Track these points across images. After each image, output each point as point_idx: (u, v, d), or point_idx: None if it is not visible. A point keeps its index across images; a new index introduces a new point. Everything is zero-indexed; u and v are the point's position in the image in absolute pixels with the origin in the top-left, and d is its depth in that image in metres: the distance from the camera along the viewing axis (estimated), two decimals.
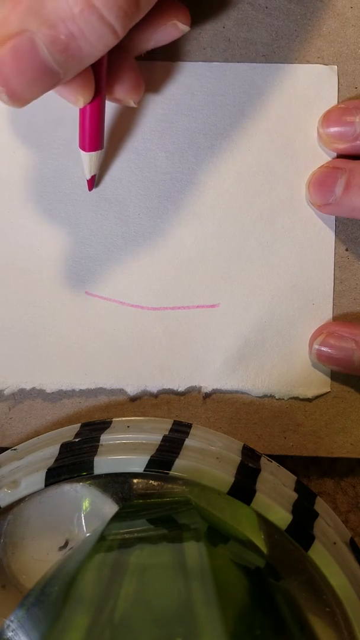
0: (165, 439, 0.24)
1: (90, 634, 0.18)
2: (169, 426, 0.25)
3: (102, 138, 0.24)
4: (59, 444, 0.24)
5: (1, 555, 0.23)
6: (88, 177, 0.25)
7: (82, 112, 0.23)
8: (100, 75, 0.22)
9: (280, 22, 0.26)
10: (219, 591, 0.19)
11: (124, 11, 0.18)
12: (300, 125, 0.26)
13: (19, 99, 0.19)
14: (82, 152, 0.24)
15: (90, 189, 0.26)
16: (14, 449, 0.25)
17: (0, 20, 0.18)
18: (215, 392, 0.27)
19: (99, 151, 0.24)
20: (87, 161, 0.24)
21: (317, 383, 0.26)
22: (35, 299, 0.26)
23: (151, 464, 0.22)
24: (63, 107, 0.26)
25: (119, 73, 0.23)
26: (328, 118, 0.25)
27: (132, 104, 0.24)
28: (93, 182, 0.26)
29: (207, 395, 0.27)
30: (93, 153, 0.24)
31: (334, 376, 0.27)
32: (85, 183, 0.26)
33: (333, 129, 0.24)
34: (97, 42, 0.19)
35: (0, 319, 0.26)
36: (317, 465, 0.29)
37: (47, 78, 0.19)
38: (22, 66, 0.18)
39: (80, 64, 0.19)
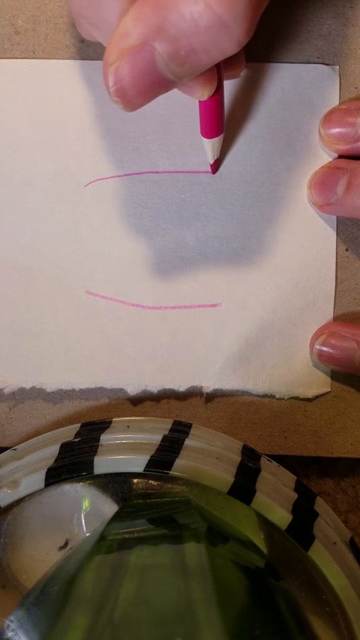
0: (165, 438, 0.24)
1: (90, 634, 0.18)
2: (169, 426, 0.25)
3: (223, 123, 0.24)
4: (59, 444, 0.24)
5: (1, 555, 0.23)
6: (211, 161, 0.25)
7: (204, 103, 0.23)
8: (220, 66, 0.21)
9: (281, 21, 0.25)
10: (218, 591, 0.19)
11: (249, 20, 0.17)
12: (301, 125, 0.26)
13: (133, 106, 0.20)
14: (204, 139, 0.24)
15: (214, 172, 0.26)
16: (14, 449, 0.25)
17: (122, 33, 0.18)
18: (215, 392, 0.27)
19: (220, 136, 0.24)
20: (210, 147, 0.25)
21: (317, 383, 0.26)
22: (36, 298, 0.26)
23: (151, 463, 0.22)
24: (64, 107, 0.26)
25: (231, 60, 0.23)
26: (329, 119, 0.25)
27: (238, 76, 0.24)
28: (216, 166, 0.26)
29: (208, 395, 0.27)
30: (215, 139, 0.24)
31: (334, 376, 0.27)
32: None
33: (334, 130, 0.24)
34: (218, 54, 0.18)
35: (1, 318, 0.26)
36: (317, 465, 0.29)
37: (163, 88, 0.19)
38: (139, 79, 0.18)
39: (197, 72, 0.19)
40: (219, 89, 0.22)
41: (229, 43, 0.18)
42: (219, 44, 0.17)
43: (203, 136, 0.24)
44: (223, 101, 0.23)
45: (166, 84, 0.19)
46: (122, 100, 0.19)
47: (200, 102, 0.23)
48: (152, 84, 0.19)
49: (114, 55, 0.18)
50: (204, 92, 0.21)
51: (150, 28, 0.17)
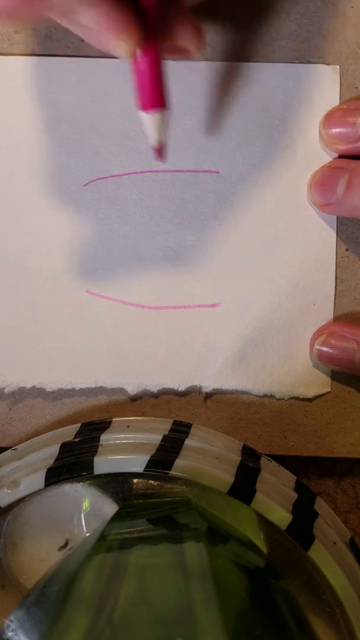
0: (165, 438, 0.24)
1: (90, 633, 0.18)
2: (169, 426, 0.25)
3: (163, 95, 0.20)
4: (59, 444, 0.24)
5: (1, 555, 0.23)
6: (152, 142, 0.21)
7: (136, 65, 0.20)
8: (150, 21, 0.19)
9: (281, 21, 0.25)
10: (219, 591, 0.19)
11: None
12: (301, 125, 0.26)
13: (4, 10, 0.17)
14: (141, 113, 0.21)
15: (159, 158, 0.22)
16: (14, 449, 0.25)
17: None
18: (215, 391, 0.27)
19: (163, 112, 0.21)
20: (148, 123, 0.21)
21: (317, 383, 0.26)
22: (36, 298, 0.26)
23: (151, 464, 0.22)
24: (63, 106, 0.26)
25: (175, 24, 0.21)
26: (330, 119, 0.25)
27: (195, 53, 0.22)
28: (162, 152, 0.22)
29: (208, 395, 0.27)
30: (156, 114, 0.21)
31: (334, 376, 0.26)
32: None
33: (335, 130, 0.24)
34: None
35: (1, 318, 0.26)
36: (317, 465, 0.29)
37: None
38: None
39: None
40: (151, 49, 0.19)
41: None
42: None
43: (138, 108, 0.21)
44: (160, 68, 0.20)
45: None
46: None
47: (132, 64, 0.20)
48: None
49: None
50: (121, 45, 0.19)
51: None
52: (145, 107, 0.21)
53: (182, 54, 0.22)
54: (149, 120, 0.21)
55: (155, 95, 0.20)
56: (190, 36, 0.22)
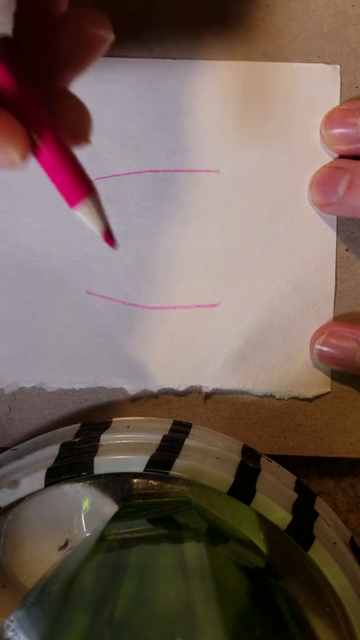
0: (165, 439, 0.24)
1: (90, 633, 0.18)
2: (169, 426, 0.25)
3: (82, 183, 0.19)
4: (59, 444, 0.24)
5: (1, 555, 0.23)
6: (97, 233, 0.20)
7: (40, 161, 0.18)
8: (31, 115, 0.17)
9: (281, 20, 0.25)
10: (219, 591, 0.19)
11: None
12: (302, 125, 0.26)
13: None
14: (73, 211, 0.19)
15: (110, 244, 0.20)
16: (14, 449, 0.25)
17: None
18: (215, 391, 0.27)
19: (90, 199, 0.19)
20: (83, 217, 0.19)
21: (317, 383, 0.26)
22: (36, 298, 0.26)
23: (151, 464, 0.22)
24: None
25: (61, 107, 0.18)
26: (331, 119, 0.25)
27: (86, 141, 0.19)
28: (110, 235, 0.20)
29: (208, 395, 0.27)
30: (82, 205, 0.19)
31: (334, 376, 0.26)
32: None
33: (336, 131, 0.24)
34: None
35: (1, 317, 0.26)
36: (317, 465, 0.29)
37: None
38: None
39: None
40: (46, 145, 0.17)
41: None
42: None
43: (70, 207, 0.19)
44: (65, 155, 0.18)
45: None
46: None
47: (38, 163, 0.18)
48: None
49: None
50: (12, 152, 0.17)
51: None
52: (71, 204, 0.19)
53: (75, 138, 0.19)
54: (82, 214, 0.19)
55: (74, 189, 0.19)
56: (76, 118, 0.19)
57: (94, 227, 0.19)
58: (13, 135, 0.16)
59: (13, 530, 0.23)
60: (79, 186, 0.19)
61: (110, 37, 0.18)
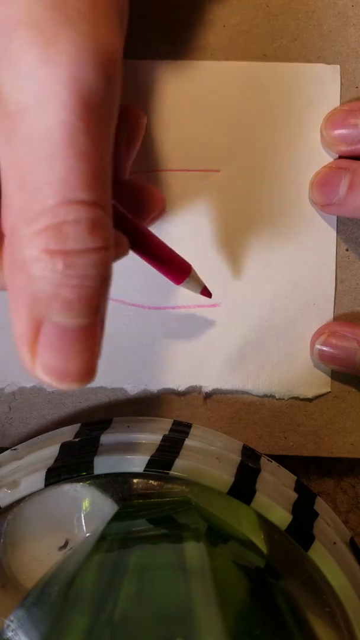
0: (165, 439, 0.24)
1: (90, 634, 0.18)
2: (169, 426, 0.25)
3: (180, 265, 0.22)
4: (59, 444, 0.24)
5: (1, 555, 0.23)
6: (198, 293, 0.24)
7: (144, 256, 0.21)
8: (128, 224, 0.19)
9: (281, 20, 0.25)
10: (219, 591, 0.19)
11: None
12: (302, 125, 0.26)
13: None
14: (179, 286, 0.23)
15: (208, 296, 0.24)
16: (14, 449, 0.25)
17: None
18: (215, 391, 0.27)
19: (190, 274, 0.22)
20: (188, 288, 0.23)
21: (317, 383, 0.26)
22: None
23: (151, 464, 0.22)
24: None
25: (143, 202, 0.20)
26: (332, 120, 0.25)
27: (162, 212, 0.22)
28: (207, 291, 0.24)
29: (208, 395, 0.27)
30: (187, 280, 0.23)
31: (334, 376, 0.26)
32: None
33: (337, 132, 0.24)
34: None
35: (1, 317, 0.26)
36: (317, 465, 0.29)
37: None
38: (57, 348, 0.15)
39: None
40: (143, 237, 0.20)
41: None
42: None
43: (176, 284, 0.23)
44: (160, 247, 0.21)
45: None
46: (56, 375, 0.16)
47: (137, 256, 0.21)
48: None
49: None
50: (119, 257, 0.18)
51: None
52: (177, 282, 0.23)
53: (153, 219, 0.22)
54: (186, 286, 0.23)
55: (177, 270, 0.22)
56: (152, 200, 0.21)
57: (196, 291, 0.24)
58: (119, 247, 0.18)
59: (13, 530, 0.23)
60: (180, 266, 0.22)
61: (145, 119, 0.21)
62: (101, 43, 0.14)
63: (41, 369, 0.15)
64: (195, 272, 0.23)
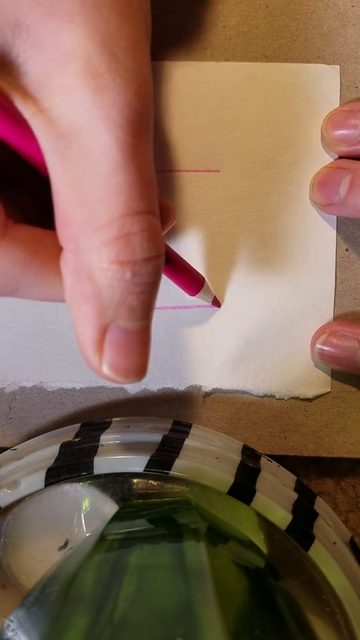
0: (165, 439, 0.24)
1: (90, 633, 0.18)
2: (169, 426, 0.25)
3: (195, 278, 0.24)
4: (59, 444, 0.24)
5: (1, 555, 0.23)
6: (209, 303, 0.26)
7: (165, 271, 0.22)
8: None
9: (281, 21, 0.25)
10: (218, 591, 0.19)
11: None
12: (302, 125, 0.26)
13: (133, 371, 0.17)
14: (193, 297, 0.25)
15: (218, 307, 0.26)
16: (14, 449, 0.25)
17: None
18: (215, 391, 0.27)
19: (203, 287, 0.24)
20: (201, 298, 0.25)
21: (317, 383, 0.26)
22: None
23: (151, 463, 0.22)
24: None
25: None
26: (332, 121, 0.25)
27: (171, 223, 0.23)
28: (216, 301, 0.26)
29: (208, 395, 0.27)
30: (201, 291, 0.24)
31: (335, 376, 0.26)
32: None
33: (337, 132, 0.24)
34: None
35: (1, 317, 0.26)
36: (317, 465, 0.29)
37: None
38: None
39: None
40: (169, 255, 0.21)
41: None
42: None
43: (191, 295, 0.25)
44: (178, 262, 0.22)
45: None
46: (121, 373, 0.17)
47: None
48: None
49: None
50: None
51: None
52: (192, 294, 0.24)
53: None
54: (200, 296, 0.25)
55: (192, 282, 0.24)
56: (165, 212, 0.22)
57: (207, 302, 0.26)
58: None
59: (13, 530, 0.23)
60: (195, 278, 0.24)
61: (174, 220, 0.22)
62: (142, 74, 0.16)
63: (109, 367, 0.17)
64: (207, 284, 0.25)
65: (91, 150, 0.15)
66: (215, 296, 0.26)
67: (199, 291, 0.24)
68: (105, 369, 0.17)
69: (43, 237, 0.17)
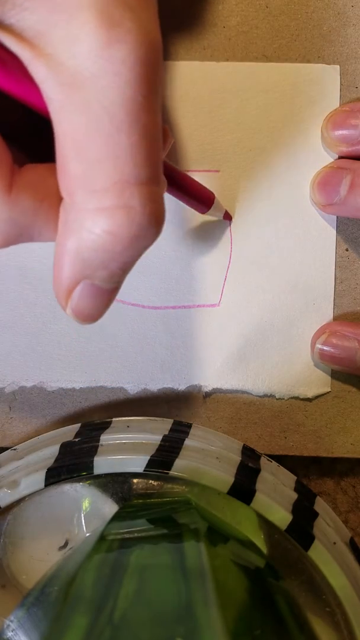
0: (165, 438, 0.24)
1: (90, 633, 0.18)
2: (169, 426, 0.25)
3: (205, 195, 0.23)
4: (59, 444, 0.24)
5: (1, 555, 0.23)
6: (221, 217, 0.26)
7: (170, 191, 0.21)
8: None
9: (281, 21, 0.25)
10: (218, 591, 0.19)
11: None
12: (302, 125, 0.26)
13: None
14: (205, 215, 0.25)
15: (230, 219, 0.26)
16: (14, 449, 0.25)
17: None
18: (215, 391, 0.27)
19: (214, 202, 0.24)
20: (212, 214, 0.25)
21: (317, 383, 0.26)
22: (36, 297, 0.26)
23: (151, 463, 0.22)
24: None
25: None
26: (333, 121, 0.25)
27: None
28: (227, 214, 0.26)
29: (208, 395, 0.27)
30: (211, 209, 0.24)
31: (334, 376, 0.26)
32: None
33: (337, 132, 0.24)
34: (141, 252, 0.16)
35: (1, 317, 0.26)
36: (317, 465, 0.29)
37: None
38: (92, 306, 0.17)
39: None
40: (174, 175, 0.21)
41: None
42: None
43: (202, 213, 0.24)
44: (185, 180, 0.22)
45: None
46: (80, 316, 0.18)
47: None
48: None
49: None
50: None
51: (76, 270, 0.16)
52: (203, 212, 0.24)
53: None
54: (211, 213, 0.24)
55: (201, 202, 0.23)
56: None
57: (218, 216, 0.25)
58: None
59: (13, 530, 0.23)
60: (205, 195, 0.23)
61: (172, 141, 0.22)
62: (154, 30, 0.15)
63: (72, 310, 0.17)
64: (217, 200, 0.24)
65: (94, 105, 0.14)
66: (226, 210, 0.25)
67: (210, 208, 0.24)
68: (68, 310, 0.17)
69: (47, 177, 0.16)
